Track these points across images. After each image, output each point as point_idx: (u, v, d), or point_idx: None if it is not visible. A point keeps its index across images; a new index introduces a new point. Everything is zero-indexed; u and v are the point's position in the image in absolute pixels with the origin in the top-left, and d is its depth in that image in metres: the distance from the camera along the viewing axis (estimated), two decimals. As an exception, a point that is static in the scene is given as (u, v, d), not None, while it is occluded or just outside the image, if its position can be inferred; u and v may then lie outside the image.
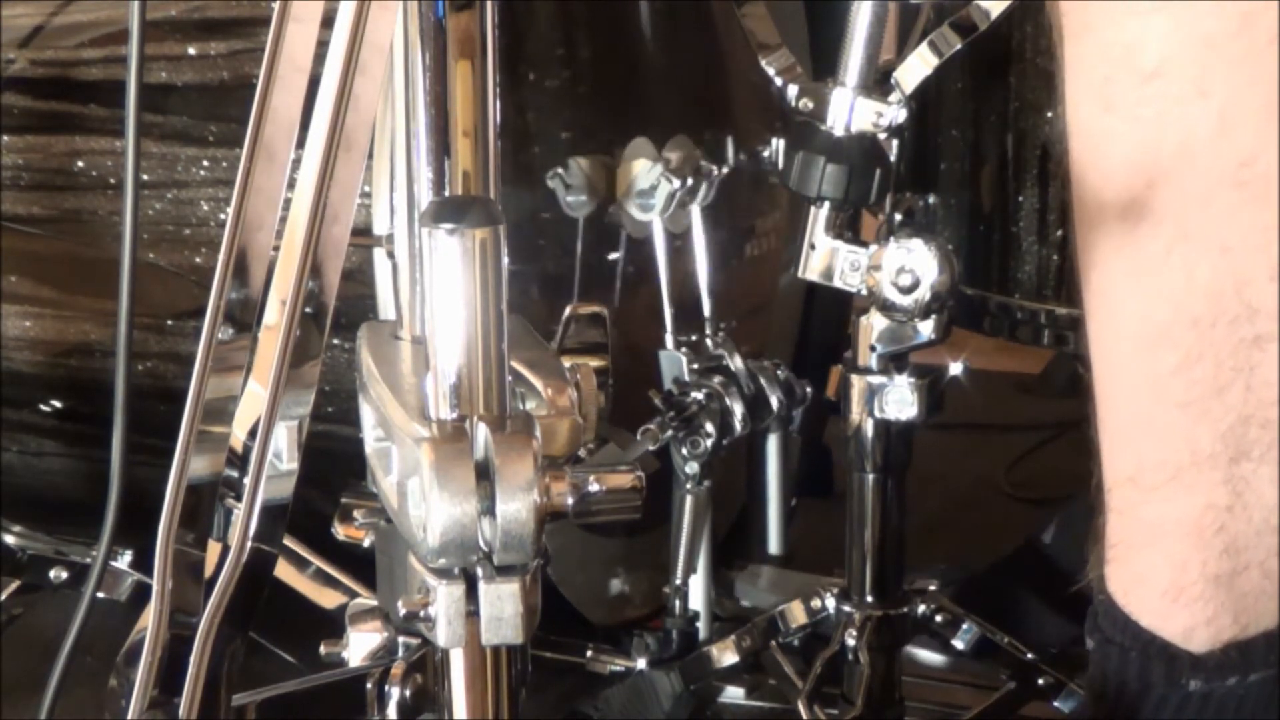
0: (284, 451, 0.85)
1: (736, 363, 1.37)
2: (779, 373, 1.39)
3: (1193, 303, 0.98)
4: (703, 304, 1.40)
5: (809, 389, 1.42)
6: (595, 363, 0.94)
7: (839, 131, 1.21)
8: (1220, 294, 0.98)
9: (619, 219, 1.40)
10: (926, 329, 1.23)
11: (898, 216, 1.32)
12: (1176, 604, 1.05)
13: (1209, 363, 0.99)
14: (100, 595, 1.26)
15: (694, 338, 1.39)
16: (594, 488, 0.82)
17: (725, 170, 1.40)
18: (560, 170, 1.36)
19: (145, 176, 1.36)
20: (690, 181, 1.37)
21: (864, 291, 1.22)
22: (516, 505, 0.78)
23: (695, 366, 1.37)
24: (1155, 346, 1.00)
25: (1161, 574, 1.05)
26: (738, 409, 1.35)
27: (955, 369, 1.30)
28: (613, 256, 1.46)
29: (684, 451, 1.34)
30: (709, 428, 1.34)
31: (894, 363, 1.26)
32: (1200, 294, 0.98)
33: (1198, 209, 0.97)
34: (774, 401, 1.38)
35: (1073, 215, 1.06)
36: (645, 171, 1.37)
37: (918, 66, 1.22)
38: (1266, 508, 1.02)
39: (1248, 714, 1.06)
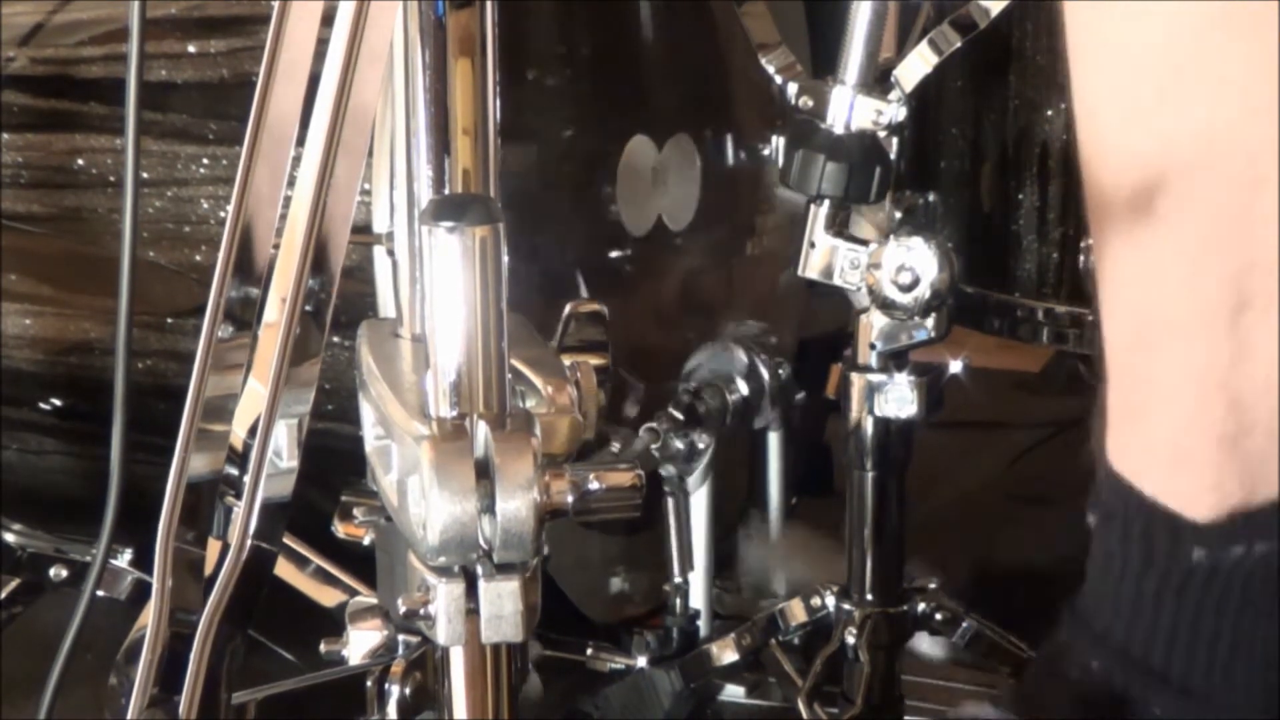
0: (284, 449, 0.85)
1: (738, 361, 1.37)
2: (780, 371, 1.39)
3: (1187, 150, 0.97)
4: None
5: (800, 395, 1.42)
6: (595, 361, 0.94)
7: (839, 129, 1.22)
8: (1214, 139, 0.96)
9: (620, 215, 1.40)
10: (926, 327, 1.23)
11: (897, 214, 1.32)
12: (1181, 468, 1.02)
13: (1209, 205, 0.96)
14: (100, 593, 1.26)
15: (693, 336, 1.39)
16: (594, 486, 0.82)
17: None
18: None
19: (145, 174, 1.36)
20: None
21: (864, 290, 1.22)
22: (516, 503, 0.78)
23: (695, 366, 1.37)
24: (1153, 192, 0.98)
25: (1165, 437, 1.02)
26: (738, 407, 1.36)
27: (955, 367, 1.30)
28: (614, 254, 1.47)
29: (684, 449, 1.34)
30: (709, 425, 1.34)
31: (894, 361, 1.26)
32: (1197, 140, 0.97)
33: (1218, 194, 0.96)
34: (774, 401, 1.38)
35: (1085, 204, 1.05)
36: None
37: (917, 64, 1.23)
38: (1270, 363, 0.98)
39: (1254, 590, 1.03)
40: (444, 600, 0.80)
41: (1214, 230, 0.97)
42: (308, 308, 0.83)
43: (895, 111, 1.21)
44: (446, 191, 0.88)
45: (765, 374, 1.38)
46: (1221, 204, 0.96)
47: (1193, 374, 1.00)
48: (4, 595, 1.51)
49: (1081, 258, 1.32)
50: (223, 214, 1.35)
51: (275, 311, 0.83)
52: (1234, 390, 0.99)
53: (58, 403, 1.47)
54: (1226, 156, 0.95)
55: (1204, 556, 1.02)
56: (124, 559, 1.47)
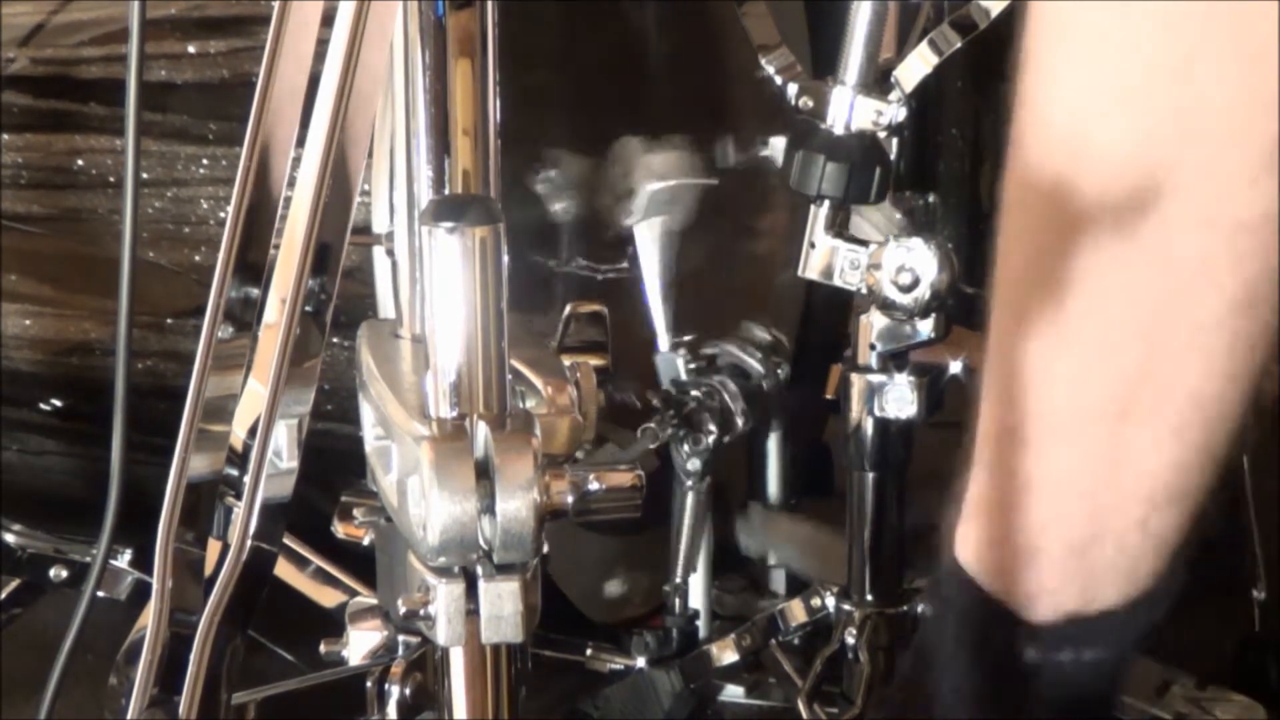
0: (284, 450, 0.85)
1: (738, 360, 1.37)
2: (779, 371, 1.39)
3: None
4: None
5: (799, 395, 1.42)
6: (595, 361, 0.94)
7: (839, 130, 1.22)
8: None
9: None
10: (926, 327, 1.23)
11: (898, 215, 1.32)
12: (1026, 569, 1.03)
13: (1113, 309, 0.97)
14: (100, 594, 1.26)
15: (691, 337, 1.39)
16: (594, 486, 0.82)
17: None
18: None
19: (145, 175, 1.36)
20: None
21: (864, 290, 1.22)
22: (516, 504, 0.78)
23: (693, 365, 1.37)
24: (1056, 289, 0.98)
25: (1017, 536, 1.03)
26: (738, 406, 1.36)
27: (955, 368, 1.30)
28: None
29: (684, 449, 1.34)
30: (709, 425, 1.34)
31: (894, 361, 1.26)
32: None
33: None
34: (774, 401, 1.38)
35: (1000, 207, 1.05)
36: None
37: (917, 65, 1.23)
38: (1137, 477, 0.99)
39: (1078, 691, 1.04)
40: (444, 601, 0.80)
41: (1112, 328, 0.97)
42: (308, 308, 0.83)
43: (895, 112, 1.21)
44: (446, 192, 0.88)
45: (765, 374, 1.38)
46: (1120, 306, 0.97)
47: (1062, 475, 1.01)
48: (4, 595, 1.51)
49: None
50: (223, 214, 1.36)
51: (275, 312, 0.83)
52: (1096, 498, 1.00)
53: (58, 403, 1.47)
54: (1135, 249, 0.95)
55: (1034, 657, 1.03)
56: (124, 559, 1.47)
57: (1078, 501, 1.01)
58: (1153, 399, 0.97)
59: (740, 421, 1.35)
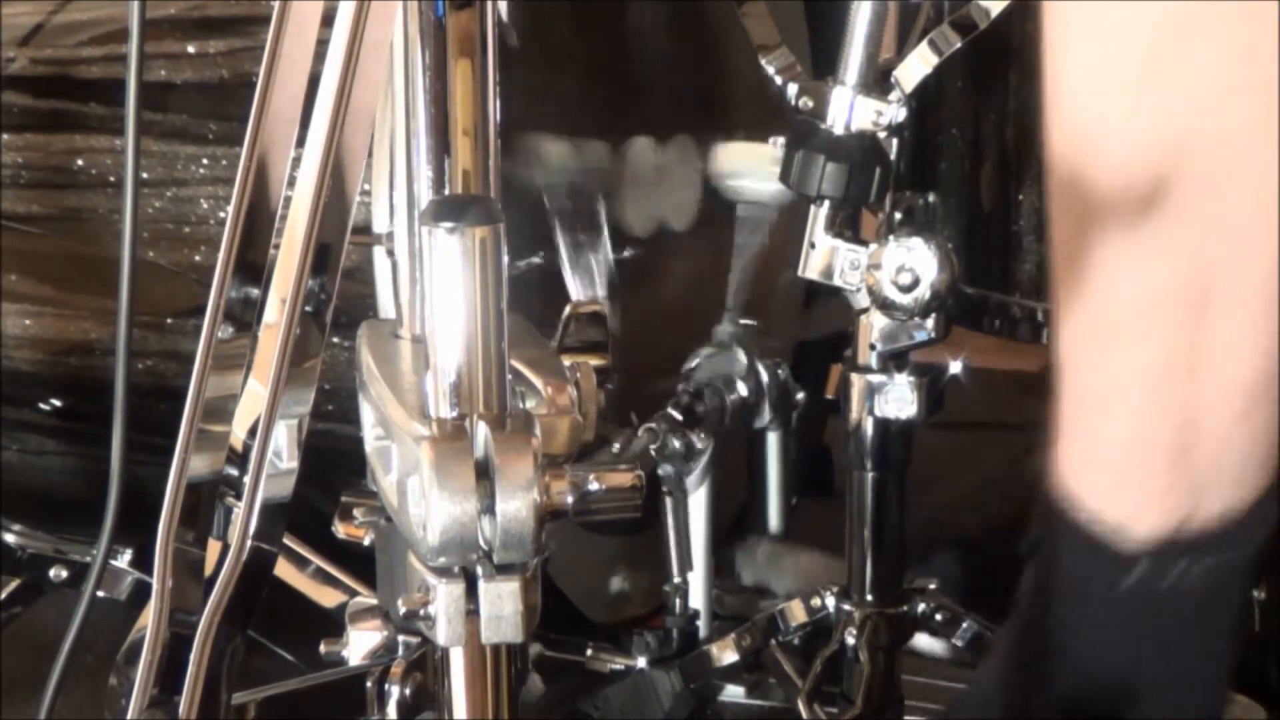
0: (284, 450, 0.85)
1: (737, 361, 1.37)
2: (779, 371, 1.39)
3: (1156, 148, 0.94)
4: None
5: (800, 395, 1.42)
6: (595, 361, 0.94)
7: (839, 130, 1.21)
8: (1184, 139, 0.94)
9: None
10: (926, 327, 1.23)
11: (897, 215, 1.32)
12: (1128, 480, 1.00)
13: (1178, 202, 0.94)
14: (100, 594, 1.26)
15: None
16: (594, 486, 0.82)
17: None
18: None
19: (145, 175, 1.36)
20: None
21: (864, 290, 1.22)
22: (516, 504, 0.78)
23: (693, 366, 1.37)
24: (1124, 188, 0.96)
25: (1114, 448, 1.00)
26: (737, 408, 1.36)
27: (955, 368, 1.30)
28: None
29: (681, 449, 1.34)
30: (707, 425, 1.34)
31: (894, 361, 1.26)
32: (1166, 139, 0.94)
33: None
34: (772, 402, 1.38)
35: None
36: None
37: (917, 65, 1.23)
38: (1227, 367, 0.96)
39: (1189, 611, 1.01)
40: (444, 601, 0.80)
41: (1181, 227, 0.95)
42: (308, 308, 0.83)
43: (895, 112, 1.21)
44: (446, 192, 0.88)
45: (764, 374, 1.38)
46: (1190, 202, 0.94)
47: (1150, 377, 0.98)
48: (4, 595, 1.51)
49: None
50: (223, 214, 1.36)
51: (275, 312, 0.83)
52: (1188, 399, 0.97)
53: (58, 403, 1.47)
54: (1196, 156, 0.94)
55: (1146, 569, 1.01)
56: (124, 559, 1.47)
57: (1170, 405, 0.97)
58: (1232, 282, 0.94)
59: (739, 422, 1.36)
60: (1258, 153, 0.92)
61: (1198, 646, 1.03)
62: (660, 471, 1.33)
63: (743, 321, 1.41)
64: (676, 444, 1.32)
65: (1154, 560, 1.01)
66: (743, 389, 1.37)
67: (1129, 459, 1.00)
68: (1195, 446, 0.98)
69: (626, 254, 1.50)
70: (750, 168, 1.40)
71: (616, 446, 1.27)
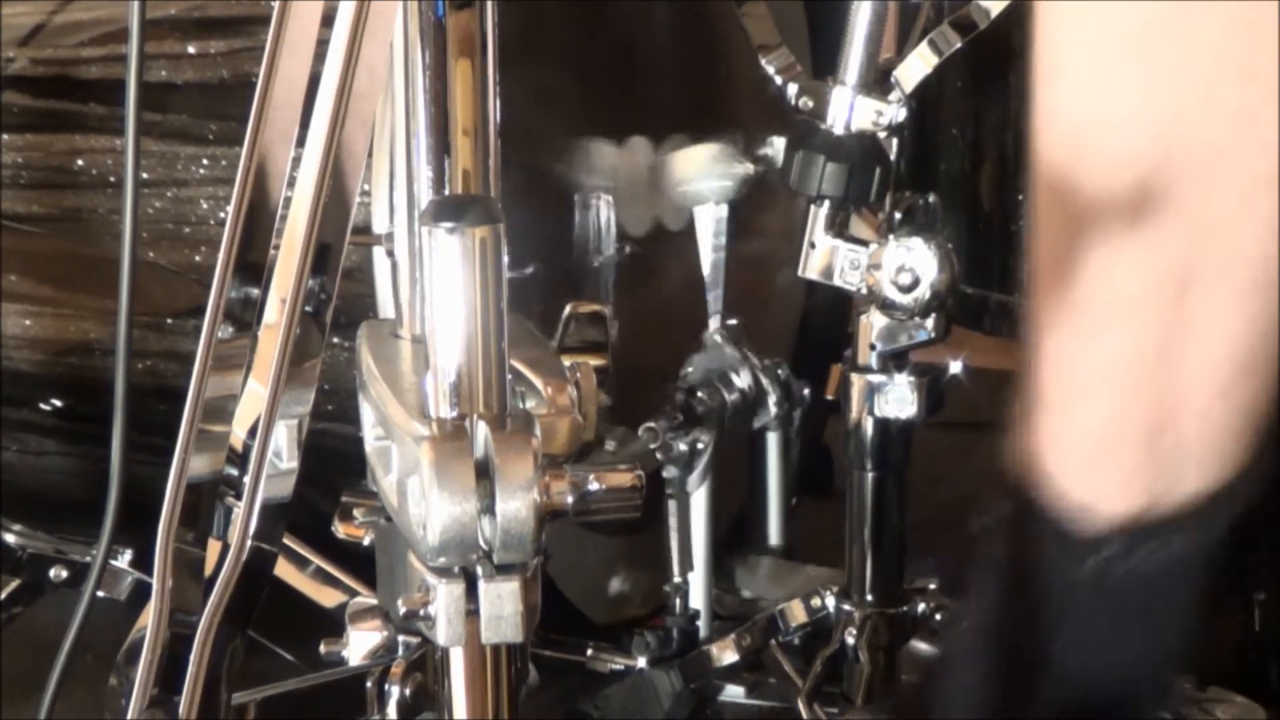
0: (284, 450, 0.85)
1: (736, 361, 1.37)
2: (779, 372, 1.39)
3: (1146, 139, 0.94)
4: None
5: (807, 390, 1.42)
6: (595, 361, 0.94)
7: (839, 130, 1.22)
8: (1174, 132, 0.94)
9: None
10: (926, 327, 1.23)
11: (898, 215, 1.32)
12: (1101, 460, 1.00)
13: (1165, 193, 0.93)
14: (100, 594, 1.26)
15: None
16: (594, 486, 0.82)
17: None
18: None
19: (145, 175, 1.36)
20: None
21: (864, 290, 1.22)
22: (516, 504, 0.78)
23: (688, 370, 1.37)
24: (1112, 177, 0.96)
25: (1090, 427, 1.00)
26: (737, 407, 1.36)
27: (955, 367, 1.30)
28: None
29: (682, 448, 1.34)
30: (708, 425, 1.34)
31: (894, 361, 1.26)
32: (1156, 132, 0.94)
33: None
34: (773, 401, 1.38)
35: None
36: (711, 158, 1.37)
37: (917, 65, 1.23)
38: (1207, 348, 0.96)
39: (1156, 591, 1.01)
40: (444, 601, 0.80)
41: (1162, 213, 0.94)
42: (308, 308, 0.83)
43: (895, 112, 1.22)
44: (446, 192, 0.88)
45: (763, 374, 1.38)
46: (1171, 189, 0.94)
47: (1129, 359, 0.98)
48: (4, 595, 1.51)
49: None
50: (223, 214, 1.36)
51: (275, 312, 0.83)
52: (1165, 376, 0.97)
53: (58, 403, 1.47)
54: (1178, 144, 0.93)
55: (1115, 550, 1.00)
56: (124, 559, 1.47)
57: (1146, 382, 0.97)
58: (1214, 264, 0.94)
59: (739, 422, 1.35)
60: (1238, 141, 0.93)
61: (1160, 626, 1.04)
62: (665, 474, 1.33)
63: (729, 322, 1.40)
64: (682, 446, 1.32)
65: (1124, 540, 1.00)
66: (740, 384, 1.37)
67: (1103, 440, 1.00)
68: (1171, 427, 0.98)
69: (625, 254, 1.50)
70: (695, 172, 1.40)
71: (613, 445, 1.27)
